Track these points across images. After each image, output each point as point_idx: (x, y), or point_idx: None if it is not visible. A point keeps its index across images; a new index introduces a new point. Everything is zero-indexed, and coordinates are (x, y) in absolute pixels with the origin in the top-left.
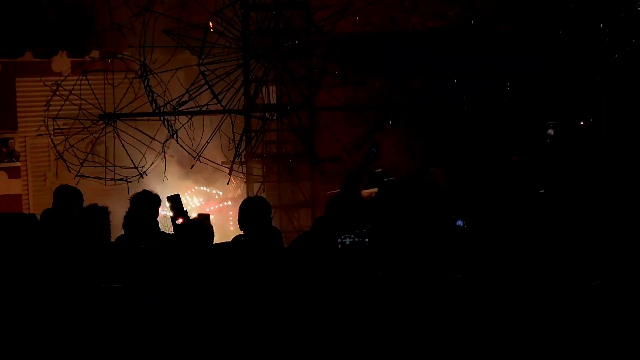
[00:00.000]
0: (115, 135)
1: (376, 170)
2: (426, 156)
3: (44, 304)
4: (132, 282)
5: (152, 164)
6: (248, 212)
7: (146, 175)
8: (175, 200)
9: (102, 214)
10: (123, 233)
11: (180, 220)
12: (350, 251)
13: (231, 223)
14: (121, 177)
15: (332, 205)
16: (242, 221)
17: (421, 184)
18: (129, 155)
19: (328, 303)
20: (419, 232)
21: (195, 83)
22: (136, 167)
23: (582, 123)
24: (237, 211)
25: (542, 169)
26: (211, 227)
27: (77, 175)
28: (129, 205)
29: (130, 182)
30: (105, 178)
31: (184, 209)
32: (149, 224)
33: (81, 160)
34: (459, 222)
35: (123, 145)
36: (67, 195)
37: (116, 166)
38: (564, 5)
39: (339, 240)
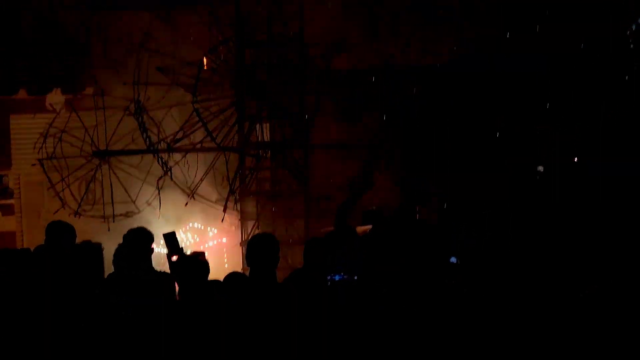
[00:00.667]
0: (106, 172)
1: (370, 209)
2: (414, 194)
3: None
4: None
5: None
6: (257, 249)
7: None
8: (170, 238)
9: (95, 251)
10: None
11: (175, 258)
12: (341, 288)
13: (225, 260)
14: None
15: (311, 246)
16: (250, 258)
17: (413, 221)
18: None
19: (323, 339)
20: (414, 269)
21: (190, 120)
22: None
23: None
24: (230, 248)
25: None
26: (206, 263)
27: (76, 214)
28: (123, 241)
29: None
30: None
31: (180, 247)
32: (141, 260)
33: (77, 199)
34: (453, 259)
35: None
36: (59, 232)
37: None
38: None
39: (328, 277)
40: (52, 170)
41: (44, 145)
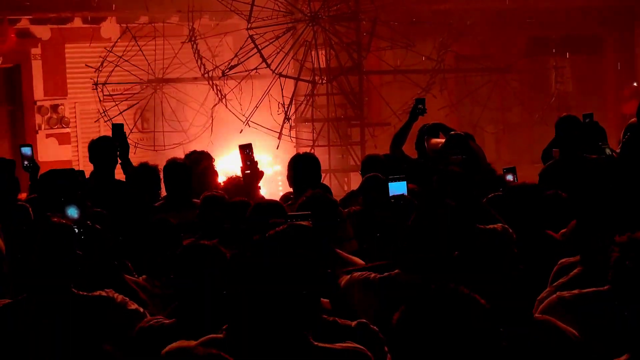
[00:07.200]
0: (161, 101)
1: (432, 123)
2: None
3: None
4: None
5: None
6: (297, 168)
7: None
8: (246, 149)
9: (152, 173)
10: None
11: (248, 171)
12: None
13: (280, 189)
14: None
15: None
16: (292, 178)
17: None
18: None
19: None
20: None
21: (244, 47)
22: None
23: None
24: (285, 175)
25: None
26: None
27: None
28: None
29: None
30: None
31: (254, 160)
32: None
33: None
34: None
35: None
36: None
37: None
38: None
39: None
40: (107, 99)
41: (98, 72)
